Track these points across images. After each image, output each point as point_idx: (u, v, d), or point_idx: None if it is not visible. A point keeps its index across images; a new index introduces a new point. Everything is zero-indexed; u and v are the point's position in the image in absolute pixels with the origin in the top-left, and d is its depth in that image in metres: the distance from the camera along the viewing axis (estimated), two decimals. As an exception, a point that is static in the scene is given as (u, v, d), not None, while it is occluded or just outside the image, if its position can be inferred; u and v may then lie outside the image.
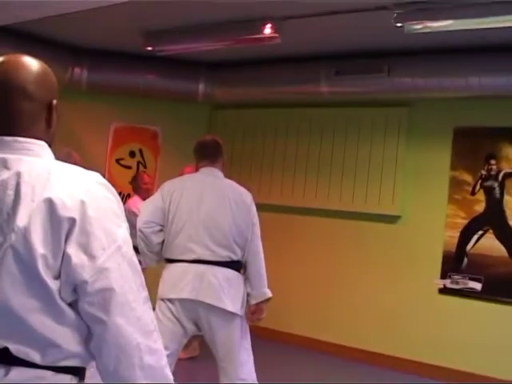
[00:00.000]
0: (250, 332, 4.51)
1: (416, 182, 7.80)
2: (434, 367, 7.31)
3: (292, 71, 8.12)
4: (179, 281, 4.33)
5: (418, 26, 5.88)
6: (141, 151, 9.29)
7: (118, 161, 9.21)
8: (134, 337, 1.75)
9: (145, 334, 1.78)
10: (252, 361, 4.45)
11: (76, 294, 1.73)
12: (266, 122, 8.86)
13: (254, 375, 4.40)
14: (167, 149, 9.20)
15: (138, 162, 9.28)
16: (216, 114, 9.39)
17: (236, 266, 4.43)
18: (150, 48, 7.55)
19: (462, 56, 7.03)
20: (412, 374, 7.28)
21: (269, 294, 4.49)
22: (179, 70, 8.70)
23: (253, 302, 4.41)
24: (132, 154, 9.27)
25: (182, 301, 4.31)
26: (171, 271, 4.42)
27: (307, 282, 8.37)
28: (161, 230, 4.42)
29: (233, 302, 4.34)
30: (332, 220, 8.25)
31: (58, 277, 1.70)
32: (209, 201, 4.42)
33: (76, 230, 1.71)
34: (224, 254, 4.37)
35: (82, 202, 1.73)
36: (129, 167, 9.18)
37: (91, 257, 1.72)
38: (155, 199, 4.54)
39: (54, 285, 1.70)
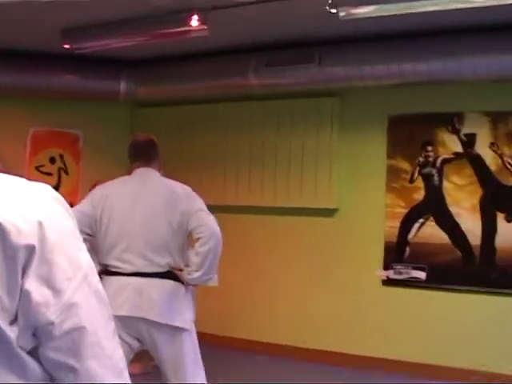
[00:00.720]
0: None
1: (352, 173, 7.63)
2: (382, 360, 7.15)
3: (219, 65, 7.85)
4: (117, 296, 3.95)
5: (353, 11, 5.65)
6: (62, 156, 8.84)
7: (37, 168, 8.73)
8: (107, 380, 1.39)
9: (117, 374, 1.42)
10: (202, 373, 4.17)
11: (36, 340, 1.34)
12: (194, 120, 8.56)
13: None
14: (89, 152, 8.79)
15: (60, 169, 8.83)
16: (139, 112, 9.02)
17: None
18: (67, 46, 7.11)
19: (394, 42, 6.89)
20: (361, 370, 7.10)
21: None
22: (99, 68, 8.32)
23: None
24: (52, 160, 8.81)
25: (121, 318, 3.95)
26: (107, 286, 4.06)
27: (243, 282, 8.09)
28: (85, 240, 4.06)
29: (177, 316, 4.04)
30: (267, 217, 8.01)
31: (14, 321, 1.32)
32: (143, 205, 4.11)
33: (35, 259, 1.31)
34: (163, 263, 4.06)
35: (40, 224, 1.32)
36: (49, 174, 8.71)
37: (56, 291, 1.31)
38: (84, 205, 4.19)
39: (11, 332, 1.29)
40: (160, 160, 4.36)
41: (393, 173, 7.38)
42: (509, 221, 6.81)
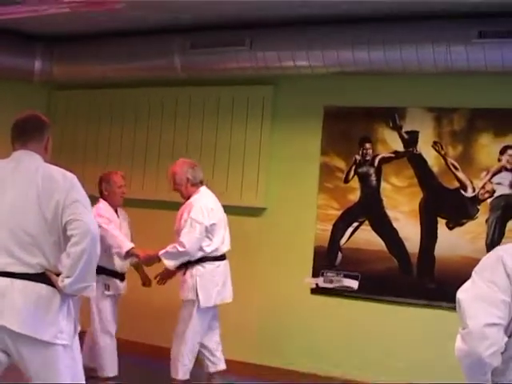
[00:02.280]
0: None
1: (282, 170, 7.03)
2: (308, 376, 6.56)
3: (141, 45, 7.15)
4: None
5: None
6: (-33, 141, 8.00)
7: None
8: None
9: None
10: None
11: None
12: (112, 104, 7.87)
13: None
14: (1, 137, 7.96)
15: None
16: (56, 95, 8.27)
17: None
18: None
19: (334, 27, 6.31)
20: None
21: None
22: (11, 44, 7.49)
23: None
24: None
25: None
26: None
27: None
28: None
29: (46, 328, 3.32)
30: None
31: None
32: (13, 193, 3.39)
33: None
34: (33, 262, 3.33)
35: None
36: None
37: None
38: None
39: None
40: (47, 142, 3.64)
41: (327, 171, 6.80)
42: (450, 228, 6.28)
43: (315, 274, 6.75)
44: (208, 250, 5.88)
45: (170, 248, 5.83)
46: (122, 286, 6.22)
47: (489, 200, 6.16)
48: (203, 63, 6.81)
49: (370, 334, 6.49)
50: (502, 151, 6.15)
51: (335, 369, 6.55)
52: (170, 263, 5.87)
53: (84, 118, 8.05)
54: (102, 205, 6.16)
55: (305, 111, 6.94)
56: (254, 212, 7.07)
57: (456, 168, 6.27)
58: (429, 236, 6.37)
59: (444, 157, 6.34)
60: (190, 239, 5.79)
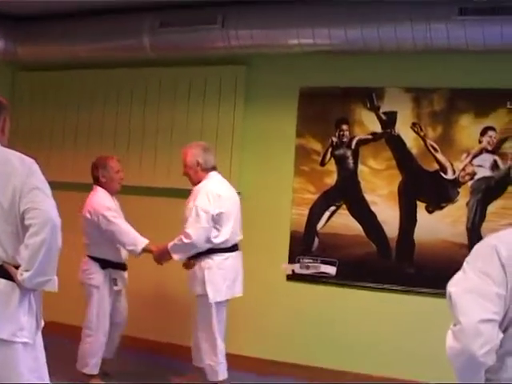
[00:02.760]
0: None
1: (256, 153, 6.81)
2: (282, 365, 6.38)
3: (109, 24, 6.85)
4: None
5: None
6: None
7: None
8: None
9: None
10: None
11: None
12: (80, 86, 7.55)
13: None
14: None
15: None
16: (21, 76, 7.96)
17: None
18: None
19: (308, 4, 6.05)
20: (260, 375, 6.32)
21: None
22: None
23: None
24: None
25: None
26: None
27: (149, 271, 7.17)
28: None
29: (3, 325, 3.10)
30: (156, 199, 7.09)
31: None
32: None
33: None
34: None
35: None
36: None
37: None
38: None
39: None
40: (2, 123, 3.40)
41: (302, 153, 6.58)
42: (430, 211, 6.11)
43: (291, 260, 6.55)
44: (216, 241, 5.52)
45: (177, 240, 5.50)
46: (125, 275, 5.99)
47: (469, 183, 5.99)
48: (173, 42, 6.53)
49: (348, 320, 6.31)
50: (483, 132, 5.98)
51: (311, 356, 6.37)
52: (178, 256, 5.56)
53: (50, 100, 7.74)
54: (102, 193, 5.86)
55: (279, 92, 6.70)
56: (228, 196, 6.84)
57: (436, 150, 6.08)
58: (408, 220, 6.19)
59: (423, 138, 6.16)
60: (196, 230, 5.43)
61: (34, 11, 7.11)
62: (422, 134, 6.16)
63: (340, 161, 6.46)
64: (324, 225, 6.47)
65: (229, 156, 6.78)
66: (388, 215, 6.25)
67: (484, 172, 5.98)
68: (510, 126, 5.91)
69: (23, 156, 3.25)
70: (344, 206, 6.42)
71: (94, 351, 5.77)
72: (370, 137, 6.36)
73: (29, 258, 3.07)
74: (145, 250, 5.73)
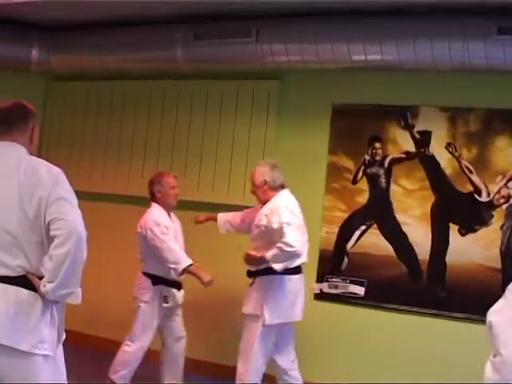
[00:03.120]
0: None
1: (288, 169, 6.61)
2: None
3: (143, 35, 6.87)
4: None
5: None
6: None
7: None
8: None
9: None
10: None
11: None
12: (112, 96, 7.58)
13: None
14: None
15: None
16: (54, 85, 7.99)
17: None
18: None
19: (343, 19, 5.97)
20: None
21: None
22: (7, 32, 7.22)
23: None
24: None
25: None
26: None
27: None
28: None
29: (24, 336, 3.02)
30: (191, 213, 7.02)
31: None
32: None
33: None
34: (14, 264, 3.03)
35: None
36: None
37: None
38: None
39: None
40: (31, 132, 3.34)
41: (334, 171, 6.51)
42: (463, 234, 5.98)
43: (320, 279, 6.46)
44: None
45: (277, 250, 5.23)
46: (179, 295, 5.90)
47: (504, 206, 5.85)
48: (207, 55, 6.50)
49: (376, 342, 6.19)
50: (519, 154, 5.87)
51: (338, 378, 6.26)
52: (279, 266, 5.25)
53: (82, 110, 7.78)
54: (156, 209, 5.85)
55: (312, 107, 6.64)
56: (258, 212, 6.76)
57: (470, 171, 5.96)
58: (440, 242, 6.07)
59: (458, 159, 6.04)
60: (295, 238, 5.26)
61: (68, 21, 7.15)
62: (456, 154, 6.04)
63: (372, 179, 6.36)
64: (354, 244, 6.37)
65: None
66: (420, 236, 6.14)
67: (519, 195, 5.87)
68: (548, 149, 5.79)
69: (50, 165, 3.19)
70: (375, 226, 6.32)
71: (127, 361, 5.78)
72: (403, 156, 6.26)
73: (53, 269, 3.00)
74: (186, 270, 5.64)
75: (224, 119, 6.96)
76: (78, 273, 3.10)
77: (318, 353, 6.40)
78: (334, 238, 6.46)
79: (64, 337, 3.27)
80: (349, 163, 6.45)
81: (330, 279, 6.43)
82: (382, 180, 6.32)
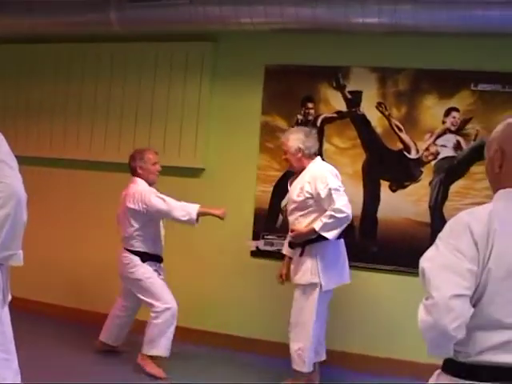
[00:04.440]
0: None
1: (222, 129, 6.82)
2: (249, 340, 6.45)
3: (74, -3, 6.78)
4: None
5: None
6: None
7: None
8: None
9: None
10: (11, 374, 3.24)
11: None
12: (44, 60, 7.48)
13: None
14: None
15: None
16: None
17: None
18: None
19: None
20: (218, 350, 6.37)
21: None
22: None
23: None
24: None
25: None
26: None
27: (97, 248, 7.18)
28: None
29: None
30: (125, 175, 7.07)
31: None
32: None
33: None
34: None
35: None
36: None
37: None
38: None
39: None
40: None
41: (268, 131, 6.62)
42: (393, 190, 6.19)
43: (256, 237, 6.60)
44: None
45: (326, 219, 5.16)
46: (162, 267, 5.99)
47: (433, 162, 6.09)
48: (141, 17, 6.47)
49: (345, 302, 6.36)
50: (447, 113, 6.07)
51: (275, 331, 6.43)
52: (331, 235, 5.19)
53: (13, 73, 7.67)
54: (142, 183, 5.85)
55: (246, 69, 6.71)
56: (193, 173, 6.86)
57: (400, 129, 6.16)
58: (371, 198, 6.28)
59: (388, 118, 6.23)
60: (344, 203, 5.20)
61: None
62: (386, 113, 6.23)
63: (305, 139, 6.50)
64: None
65: (194, 132, 6.80)
66: (352, 193, 6.25)
67: (447, 152, 6.08)
68: (473, 108, 6.01)
69: None
70: (308, 184, 6.47)
71: (161, 331, 5.72)
72: (335, 115, 6.42)
73: None
74: (199, 215, 5.67)
75: (159, 81, 6.97)
76: (18, 235, 3.10)
77: (255, 310, 6.57)
78: (268, 196, 6.59)
79: (10, 298, 3.25)
80: (282, 123, 6.57)
81: (265, 237, 6.57)
82: (315, 139, 6.47)
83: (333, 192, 5.20)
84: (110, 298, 6.35)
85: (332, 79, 6.41)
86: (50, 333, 6.63)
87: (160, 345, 5.70)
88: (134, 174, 5.92)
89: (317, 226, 5.21)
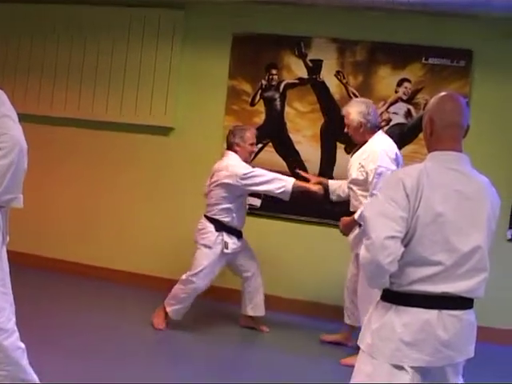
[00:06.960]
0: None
1: (191, 92, 7.23)
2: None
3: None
4: None
5: None
6: None
7: None
8: None
9: None
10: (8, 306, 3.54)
11: None
12: (23, 22, 7.72)
13: (12, 322, 3.52)
14: None
15: None
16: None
17: None
18: None
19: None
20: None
21: None
22: None
23: None
24: None
25: None
26: None
27: (70, 202, 7.59)
28: None
29: None
30: (99, 132, 7.47)
31: None
32: None
33: None
34: None
35: None
36: None
37: None
38: None
39: None
40: None
41: (234, 94, 7.07)
42: (348, 152, 6.66)
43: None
44: None
45: (362, 207, 4.98)
46: (239, 243, 5.98)
47: (385, 128, 6.53)
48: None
49: (272, 250, 6.85)
50: (399, 83, 6.59)
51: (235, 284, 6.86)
52: None
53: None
54: (236, 157, 5.84)
55: (214, 36, 7.12)
56: (163, 131, 7.27)
57: (356, 96, 6.59)
58: (328, 159, 6.77)
59: (345, 85, 6.71)
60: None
61: None
62: (344, 81, 6.71)
63: (268, 102, 6.97)
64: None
65: (165, 94, 7.21)
66: (310, 154, 6.81)
67: (398, 119, 6.61)
68: (423, 79, 6.53)
69: None
70: (271, 144, 6.96)
71: (181, 298, 5.84)
72: (297, 81, 6.88)
73: None
74: (295, 187, 5.63)
75: (132, 45, 7.31)
76: (20, 181, 3.42)
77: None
78: (233, 155, 7.03)
79: (8, 239, 3.58)
80: (247, 87, 7.01)
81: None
82: (277, 103, 6.93)
83: (376, 176, 5.08)
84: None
85: (295, 48, 6.86)
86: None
87: (173, 306, 5.86)
88: (230, 148, 5.91)
89: (356, 215, 5.18)
